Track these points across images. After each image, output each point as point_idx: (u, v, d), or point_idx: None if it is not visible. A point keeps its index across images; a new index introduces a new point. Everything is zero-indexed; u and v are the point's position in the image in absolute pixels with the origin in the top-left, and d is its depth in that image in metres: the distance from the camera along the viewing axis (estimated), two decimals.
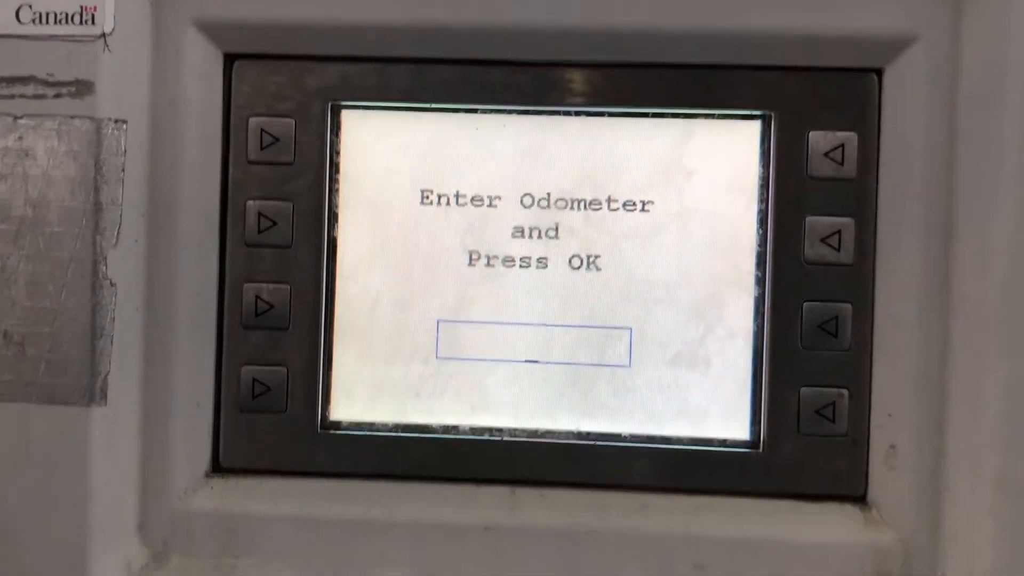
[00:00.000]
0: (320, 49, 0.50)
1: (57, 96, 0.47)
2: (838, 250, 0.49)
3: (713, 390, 0.51)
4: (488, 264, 0.51)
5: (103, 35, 0.47)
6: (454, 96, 0.51)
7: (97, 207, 0.47)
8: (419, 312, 0.52)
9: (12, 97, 0.47)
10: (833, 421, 0.49)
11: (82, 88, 0.47)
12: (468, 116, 0.51)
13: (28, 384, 0.47)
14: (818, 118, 0.49)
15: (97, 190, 0.47)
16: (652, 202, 0.51)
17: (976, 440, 0.46)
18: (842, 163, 0.49)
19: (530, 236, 0.51)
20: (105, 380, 0.47)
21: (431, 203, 0.52)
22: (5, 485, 0.47)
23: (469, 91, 0.51)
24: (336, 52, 0.50)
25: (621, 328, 0.51)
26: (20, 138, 0.47)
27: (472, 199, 0.52)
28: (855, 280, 0.49)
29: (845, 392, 0.49)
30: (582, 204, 0.51)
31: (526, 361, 0.52)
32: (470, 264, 0.52)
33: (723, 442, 0.50)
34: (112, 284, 0.47)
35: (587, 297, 0.51)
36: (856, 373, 0.49)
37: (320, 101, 0.51)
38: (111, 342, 0.48)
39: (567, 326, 0.51)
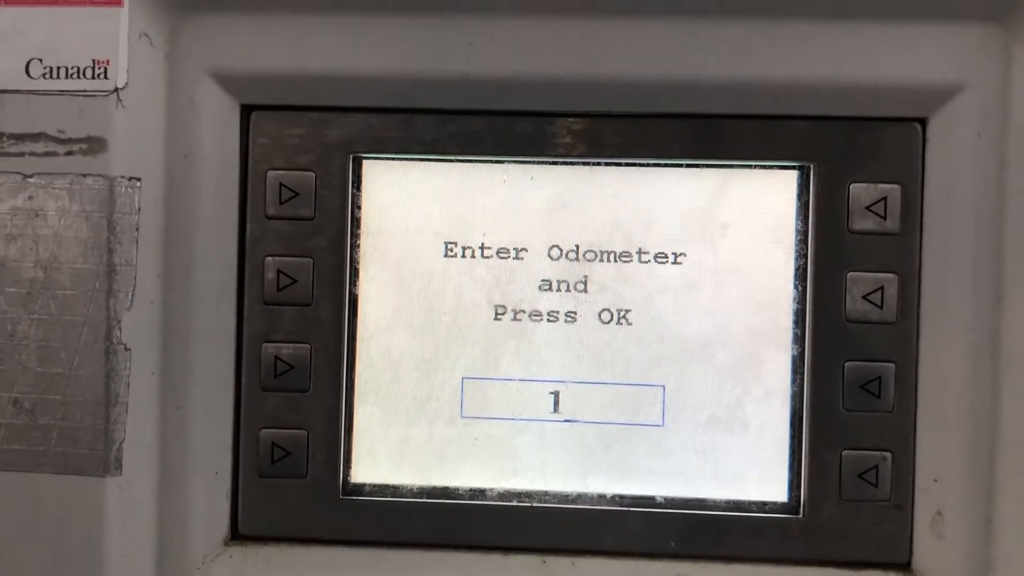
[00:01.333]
0: (340, 100, 0.48)
1: (68, 153, 0.45)
2: (881, 307, 0.47)
3: (751, 453, 0.49)
4: (515, 319, 0.50)
5: (116, 89, 0.45)
6: (480, 147, 0.49)
7: (110, 269, 0.45)
8: (443, 370, 0.50)
9: (22, 155, 0.45)
10: (876, 486, 0.47)
11: (94, 145, 0.45)
12: (494, 167, 0.49)
13: (39, 454, 0.46)
14: (859, 169, 0.47)
15: (110, 251, 0.45)
16: (685, 255, 0.49)
17: None
18: (885, 216, 0.47)
19: (558, 289, 0.50)
20: (120, 449, 0.46)
21: (455, 256, 0.50)
22: (16, 559, 0.46)
23: (495, 142, 0.49)
24: (357, 103, 0.48)
25: (654, 386, 0.49)
26: (30, 198, 0.46)
27: (498, 251, 0.50)
28: (899, 339, 0.47)
29: (888, 456, 0.47)
30: (612, 256, 0.49)
31: (555, 420, 0.50)
32: (496, 319, 0.50)
33: (762, 506, 0.49)
34: (127, 349, 0.46)
35: (619, 353, 0.49)
36: (900, 436, 0.47)
37: (341, 153, 0.49)
38: (126, 409, 0.46)
39: (598, 383, 0.50)
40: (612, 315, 0.49)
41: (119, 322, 0.46)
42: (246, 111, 0.49)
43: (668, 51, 0.47)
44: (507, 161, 0.49)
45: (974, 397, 0.46)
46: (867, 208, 0.47)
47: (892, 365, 0.47)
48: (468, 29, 0.47)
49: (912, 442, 0.47)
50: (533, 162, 0.49)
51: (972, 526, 0.46)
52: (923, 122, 0.47)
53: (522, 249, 0.50)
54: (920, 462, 0.47)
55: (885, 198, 0.47)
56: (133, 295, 0.46)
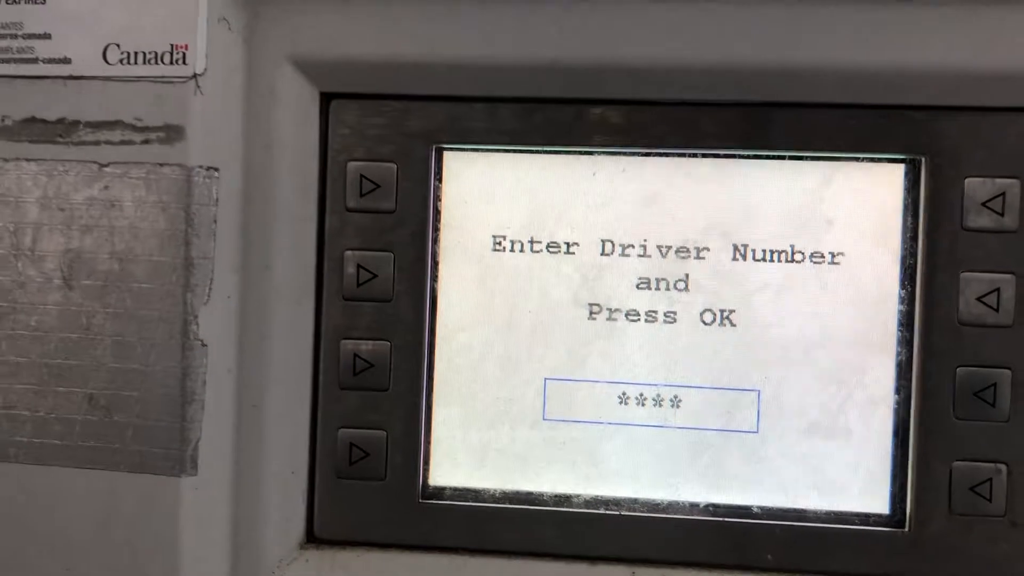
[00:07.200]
0: (423, 88, 0.46)
1: (145, 142, 0.44)
2: (996, 310, 0.44)
3: (852, 462, 0.46)
4: (610, 318, 0.47)
5: (194, 76, 0.43)
6: (567, 138, 0.47)
7: (187, 262, 0.44)
8: (526, 370, 0.48)
9: (98, 143, 0.44)
10: (990, 500, 0.44)
11: (172, 133, 0.44)
12: (583, 158, 0.47)
13: (115, 451, 0.44)
14: (975, 163, 0.45)
15: (188, 243, 0.44)
16: (787, 253, 0.46)
17: None
18: (1002, 213, 0.44)
19: (657, 288, 0.47)
20: (196, 448, 0.44)
21: (541, 252, 0.48)
22: (90, 559, 0.44)
23: (584, 132, 0.46)
24: (440, 91, 0.46)
25: (749, 391, 0.47)
26: (106, 187, 0.44)
27: (586, 248, 0.47)
28: (1016, 343, 0.44)
29: (1004, 468, 0.44)
30: (710, 254, 0.47)
31: (644, 425, 0.47)
32: (590, 317, 0.47)
33: (864, 518, 0.46)
34: (203, 344, 0.44)
35: (713, 356, 0.47)
36: (1016, 447, 0.44)
37: (423, 144, 0.47)
38: (202, 407, 0.44)
39: (690, 387, 0.47)
40: (715, 316, 0.47)
41: (196, 317, 0.44)
42: (326, 99, 0.47)
43: (770, 36, 0.44)
44: (597, 152, 0.47)
45: None
46: (983, 204, 0.44)
47: (1008, 372, 0.44)
48: (556, 13, 0.45)
49: None
50: (624, 153, 0.47)
51: None
52: None
53: (612, 245, 0.47)
54: None
55: (1003, 193, 0.44)
56: (210, 290, 0.44)
